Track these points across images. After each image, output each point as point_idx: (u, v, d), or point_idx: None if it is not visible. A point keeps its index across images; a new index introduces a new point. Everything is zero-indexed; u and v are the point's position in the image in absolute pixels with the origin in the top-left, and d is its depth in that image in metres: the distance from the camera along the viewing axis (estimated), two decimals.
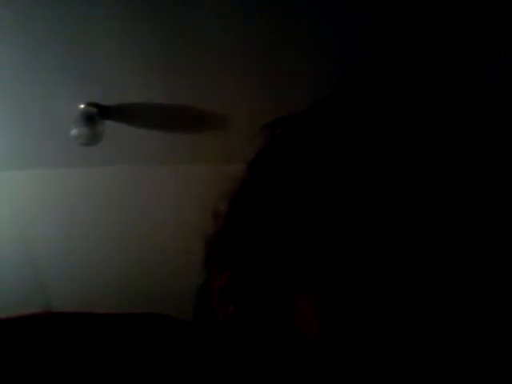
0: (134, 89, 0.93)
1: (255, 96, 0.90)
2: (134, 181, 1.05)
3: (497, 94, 0.36)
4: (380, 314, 0.29)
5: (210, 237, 0.41)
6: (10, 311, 0.53)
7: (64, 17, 0.85)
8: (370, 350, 0.29)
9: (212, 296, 0.38)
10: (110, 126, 0.96)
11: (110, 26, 0.86)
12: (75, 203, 1.07)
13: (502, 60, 0.86)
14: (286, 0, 0.82)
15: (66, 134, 0.94)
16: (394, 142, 0.31)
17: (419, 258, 0.29)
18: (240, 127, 0.93)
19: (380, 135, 0.32)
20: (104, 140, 0.96)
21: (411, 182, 0.30)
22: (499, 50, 0.87)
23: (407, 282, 0.29)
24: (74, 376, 0.45)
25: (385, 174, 0.30)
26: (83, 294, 1.14)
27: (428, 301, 0.28)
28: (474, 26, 0.85)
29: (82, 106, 0.95)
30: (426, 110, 0.33)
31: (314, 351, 0.31)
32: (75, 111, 0.94)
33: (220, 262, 0.38)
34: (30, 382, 0.44)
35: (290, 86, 0.88)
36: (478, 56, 0.87)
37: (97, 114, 0.95)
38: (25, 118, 0.97)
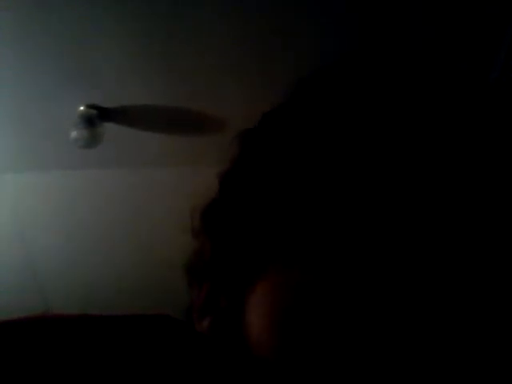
0: (133, 90, 0.93)
1: (255, 96, 0.90)
2: (134, 182, 1.05)
3: (496, 93, 0.36)
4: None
5: (191, 252, 0.41)
6: (9, 312, 0.53)
7: (64, 19, 0.85)
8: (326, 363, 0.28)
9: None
10: (109, 129, 0.96)
11: (110, 27, 0.86)
12: (75, 205, 1.07)
13: (502, 61, 0.86)
14: (286, 0, 0.82)
15: (65, 137, 0.94)
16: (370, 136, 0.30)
17: (399, 252, 0.28)
18: (240, 128, 0.93)
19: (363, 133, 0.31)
20: (104, 142, 0.95)
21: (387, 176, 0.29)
22: (499, 51, 0.87)
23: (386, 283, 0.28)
24: (72, 381, 0.44)
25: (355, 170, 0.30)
26: (82, 294, 1.13)
27: (416, 306, 0.27)
28: (474, 27, 0.85)
29: (82, 108, 0.95)
30: (421, 106, 0.32)
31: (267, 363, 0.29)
32: (75, 113, 0.94)
33: (199, 278, 0.38)
34: None
35: (289, 86, 0.88)
36: (477, 56, 0.87)
37: (96, 117, 0.94)
38: (25, 120, 0.97)
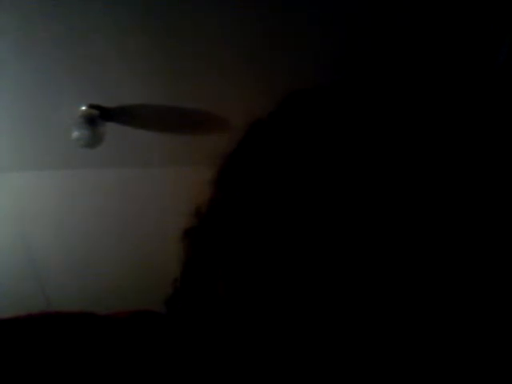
0: (134, 90, 0.93)
1: (254, 96, 0.90)
2: (135, 182, 1.05)
3: (500, 88, 0.36)
4: None
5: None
6: (9, 312, 0.53)
7: (64, 18, 0.85)
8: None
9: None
10: (111, 128, 0.96)
11: (110, 27, 0.86)
12: (76, 205, 1.07)
13: (504, 57, 0.85)
14: (287, 0, 0.82)
15: (67, 136, 0.94)
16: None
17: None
18: (241, 128, 0.93)
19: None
20: (105, 142, 0.96)
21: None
22: (498, 52, 0.86)
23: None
24: (69, 376, 0.44)
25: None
26: (83, 294, 1.14)
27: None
28: (474, 27, 0.84)
29: (84, 108, 0.95)
30: (419, 106, 0.32)
31: None
32: (76, 113, 0.94)
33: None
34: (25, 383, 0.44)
35: (289, 86, 0.88)
36: (477, 56, 0.87)
37: (98, 116, 0.95)
38: (26, 120, 0.97)
